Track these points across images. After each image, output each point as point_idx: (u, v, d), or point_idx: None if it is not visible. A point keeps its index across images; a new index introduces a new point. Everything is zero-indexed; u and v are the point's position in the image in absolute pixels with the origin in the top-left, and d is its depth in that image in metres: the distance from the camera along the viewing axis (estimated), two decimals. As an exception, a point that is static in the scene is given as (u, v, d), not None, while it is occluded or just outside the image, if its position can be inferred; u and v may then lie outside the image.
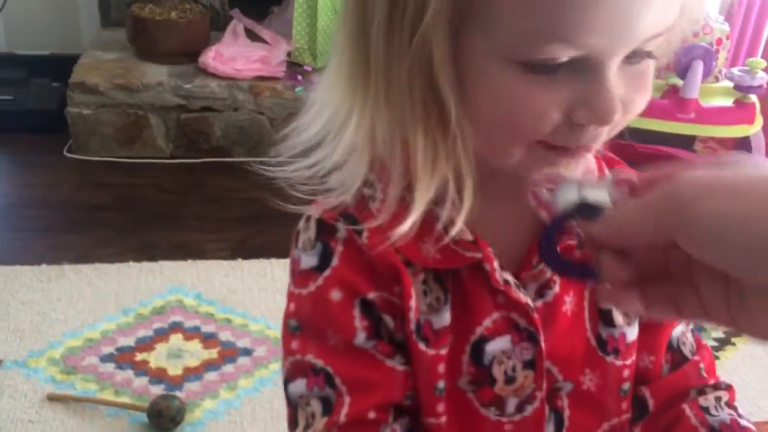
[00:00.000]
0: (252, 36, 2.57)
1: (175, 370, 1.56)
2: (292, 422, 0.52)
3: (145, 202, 2.20)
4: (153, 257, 1.90)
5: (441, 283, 0.50)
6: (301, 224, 0.55)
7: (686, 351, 0.56)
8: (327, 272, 0.50)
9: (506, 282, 0.49)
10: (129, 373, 1.54)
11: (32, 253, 1.88)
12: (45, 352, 1.56)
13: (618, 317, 0.53)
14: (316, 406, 0.50)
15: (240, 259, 1.94)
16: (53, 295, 1.73)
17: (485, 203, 0.47)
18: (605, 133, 0.46)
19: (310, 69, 2.52)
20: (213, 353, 1.61)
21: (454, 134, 0.44)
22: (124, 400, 1.46)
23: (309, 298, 0.51)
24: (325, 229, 0.52)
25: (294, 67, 2.52)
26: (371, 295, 0.50)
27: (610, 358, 0.53)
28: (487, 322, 0.50)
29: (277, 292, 1.82)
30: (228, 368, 1.57)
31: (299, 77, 2.47)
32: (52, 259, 1.85)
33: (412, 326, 0.49)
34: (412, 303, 0.49)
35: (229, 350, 1.62)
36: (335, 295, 0.50)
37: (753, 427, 0.53)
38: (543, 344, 0.50)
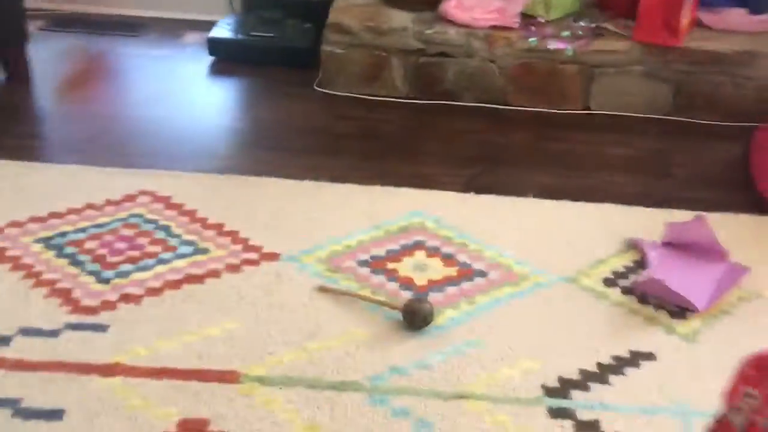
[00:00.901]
0: (489, -13, 2.70)
1: (420, 280, 1.77)
2: None
3: (385, 135, 2.44)
4: (396, 183, 2.12)
5: None
6: None
7: None
8: None
9: None
10: (382, 278, 1.77)
11: (293, 170, 2.17)
12: (313, 252, 1.84)
13: None
14: None
15: (472, 193, 2.11)
16: (315, 206, 2.00)
17: None
18: None
19: (543, 21, 2.61)
20: (452, 271, 1.80)
21: None
22: (381, 298, 1.69)
23: None
24: None
25: (528, 18, 2.62)
26: None
27: None
28: None
29: (506, 225, 1.98)
30: (466, 285, 1.76)
31: (532, 28, 2.57)
32: (313, 177, 2.12)
33: None
34: None
35: (467, 270, 1.81)
36: None
37: None
38: None
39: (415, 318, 1.60)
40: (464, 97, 2.62)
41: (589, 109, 2.61)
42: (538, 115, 2.59)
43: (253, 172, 2.16)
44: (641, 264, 1.85)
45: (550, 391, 1.48)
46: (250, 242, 1.86)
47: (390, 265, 1.81)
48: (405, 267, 1.81)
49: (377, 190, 2.09)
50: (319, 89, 2.63)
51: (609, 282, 1.80)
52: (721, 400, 0.85)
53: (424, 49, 2.57)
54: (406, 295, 1.71)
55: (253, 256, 1.82)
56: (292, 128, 2.44)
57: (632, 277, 1.81)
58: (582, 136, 2.47)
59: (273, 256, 1.81)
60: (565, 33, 2.55)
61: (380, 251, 1.85)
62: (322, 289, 1.72)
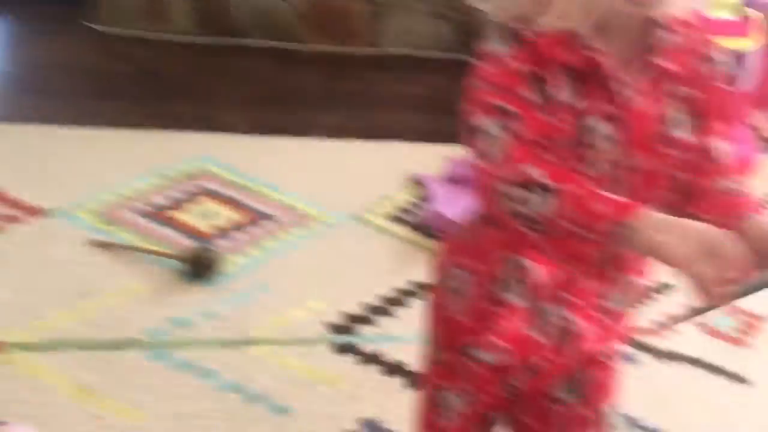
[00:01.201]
0: None
1: (206, 228, 1.71)
2: (479, 151, 0.74)
3: (166, 76, 2.29)
4: (178, 127, 2.02)
5: (572, 77, 0.73)
6: (488, 32, 0.74)
7: (725, 157, 0.78)
8: (516, 53, 0.72)
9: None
10: (165, 229, 1.68)
11: (62, 116, 1.98)
12: (85, 204, 1.70)
13: (679, 124, 0.75)
14: (497, 131, 0.71)
15: (260, 135, 2.06)
16: (88, 155, 1.85)
17: (605, 29, 0.72)
18: None
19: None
20: (240, 216, 1.76)
21: None
22: (162, 249, 1.61)
23: (498, 68, 0.73)
24: (512, 29, 0.73)
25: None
26: (536, 70, 0.72)
27: (668, 151, 0.76)
28: (594, 110, 0.73)
29: (295, 167, 1.96)
30: (254, 230, 1.73)
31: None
32: (84, 123, 1.95)
33: (560, 99, 0.73)
34: (561, 84, 0.73)
35: (255, 214, 1.77)
36: (518, 66, 0.72)
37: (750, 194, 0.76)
38: (628, 132, 0.74)
39: (200, 267, 1.55)
40: (254, 35, 2.52)
41: (379, 47, 2.62)
42: (330, 54, 2.56)
43: (16, 119, 1.95)
44: (426, 199, 1.92)
45: (335, 328, 1.50)
46: (14, 197, 1.68)
47: (173, 214, 1.73)
48: (189, 215, 1.74)
49: (157, 135, 1.98)
50: (91, 25, 2.41)
51: (395, 218, 1.84)
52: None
53: (209, -17, 2.44)
54: (192, 244, 1.65)
55: (16, 212, 1.65)
56: (59, 70, 2.22)
57: (417, 212, 1.87)
58: (372, 75, 2.49)
59: (40, 212, 1.66)
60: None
61: (162, 200, 1.76)
62: (97, 244, 1.60)
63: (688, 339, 1.61)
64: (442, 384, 0.91)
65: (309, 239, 1.73)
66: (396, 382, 1.41)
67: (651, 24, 0.73)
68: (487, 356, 0.84)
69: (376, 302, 1.58)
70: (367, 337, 1.49)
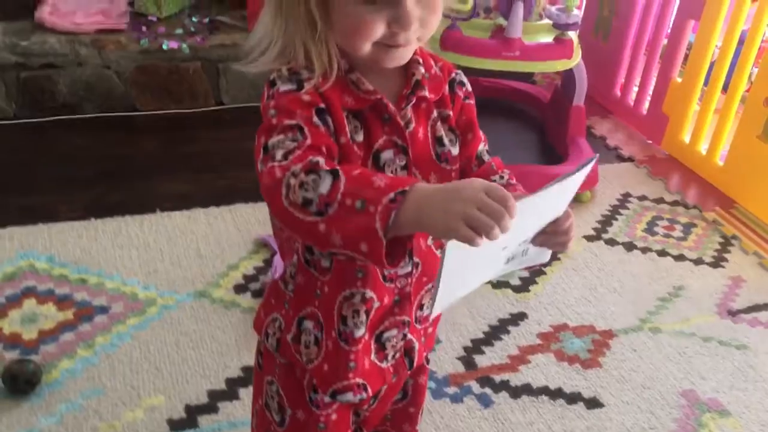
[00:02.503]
0: (90, -13, 2.49)
1: (29, 334, 1.58)
2: (266, 160, 0.75)
3: (-10, 166, 2.15)
4: (2, 223, 1.88)
5: (356, 118, 0.81)
6: (274, 75, 0.81)
7: (485, 158, 0.93)
8: (302, 90, 0.79)
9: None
10: (-19, 341, 1.55)
11: None
12: None
13: (446, 141, 0.87)
14: (288, 143, 0.75)
15: (93, 219, 1.95)
16: None
17: (372, 74, 0.82)
18: (414, 38, 0.79)
19: (155, 19, 2.48)
20: (68, 314, 1.64)
21: (321, 37, 0.79)
22: (-22, 368, 1.48)
23: (287, 98, 0.78)
24: (294, 73, 0.80)
25: (138, 17, 2.47)
26: (322, 105, 0.78)
27: (443, 165, 0.87)
28: (380, 142, 0.82)
29: (132, 248, 1.86)
30: (84, 327, 1.62)
31: (144, 28, 2.43)
32: None
33: (349, 137, 0.80)
34: (347, 124, 0.80)
35: (85, 309, 1.66)
36: (305, 97, 0.78)
37: (521, 187, 0.87)
38: (411, 156, 0.83)
39: (17, 383, 1.43)
40: (85, 109, 2.42)
41: (222, 104, 2.56)
42: (169, 117, 2.48)
43: None
44: (270, 262, 1.85)
45: (175, 424, 1.41)
46: None
47: (-9, 324, 1.60)
48: (11, 322, 1.61)
49: (-25, 235, 1.83)
50: None
51: (240, 288, 1.77)
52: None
53: (25, 63, 2.31)
54: (12, 356, 1.52)
55: None
56: None
57: (262, 278, 1.80)
58: (214, 134, 2.42)
59: None
60: (179, 30, 2.45)
61: (-22, 310, 1.63)
62: None
63: (541, 369, 1.61)
64: None
65: (145, 328, 1.63)
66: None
67: (410, 61, 0.84)
68: (351, 398, 0.89)
69: (220, 386, 1.51)
70: (210, 428, 1.41)
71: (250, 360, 1.57)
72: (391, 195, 0.67)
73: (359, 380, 0.89)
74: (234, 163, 2.27)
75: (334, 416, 0.92)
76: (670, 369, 1.64)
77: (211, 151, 2.33)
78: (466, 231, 0.64)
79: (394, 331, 0.90)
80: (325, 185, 0.70)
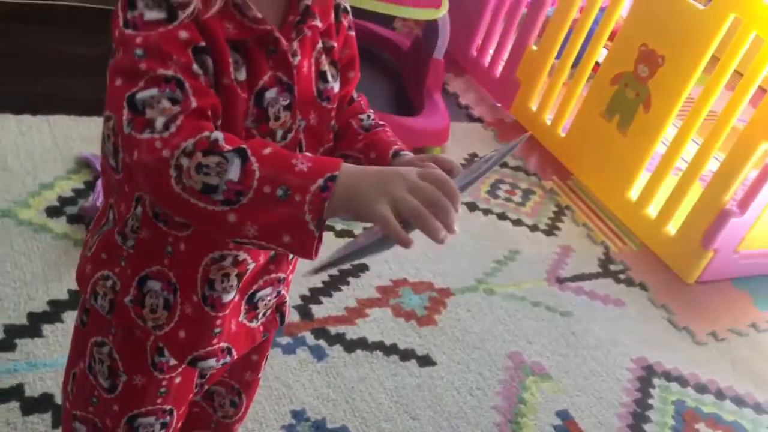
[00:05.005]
0: None
1: None
2: (140, 124, 0.61)
3: None
4: None
5: (237, 51, 0.68)
6: None
7: (354, 95, 0.84)
8: (175, 23, 0.64)
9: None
10: None
11: None
12: None
13: (329, 76, 0.76)
14: (165, 103, 0.61)
15: None
16: None
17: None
18: None
19: None
20: None
21: None
22: None
23: (157, 35, 0.63)
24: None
25: None
26: (202, 44, 0.65)
27: (324, 104, 0.76)
28: (265, 78, 0.70)
29: None
30: None
31: None
32: None
33: (232, 77, 0.67)
34: (230, 60, 0.67)
35: None
36: (182, 34, 0.64)
37: (389, 129, 0.82)
38: (296, 94, 0.72)
39: None
40: None
41: (47, -2, 2.23)
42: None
43: None
44: (93, 186, 1.65)
45: (-36, 363, 1.22)
46: None
47: None
48: None
49: None
50: None
51: (53, 211, 1.56)
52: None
53: None
54: None
55: None
56: None
57: (81, 202, 1.60)
58: (37, 33, 2.11)
59: None
60: None
61: None
62: None
63: (378, 323, 1.57)
64: (138, 413, 0.80)
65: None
66: (39, 420, 1.17)
67: None
68: (214, 364, 0.78)
69: (20, 320, 1.31)
70: (5, 368, 1.22)
71: (59, 294, 1.39)
72: (320, 182, 0.60)
73: (224, 344, 0.78)
74: (56, 68, 1.99)
75: (178, 379, 0.80)
76: (500, 331, 1.67)
77: (29, 51, 2.02)
78: (402, 236, 0.60)
79: (269, 290, 0.80)
80: (233, 170, 0.60)
